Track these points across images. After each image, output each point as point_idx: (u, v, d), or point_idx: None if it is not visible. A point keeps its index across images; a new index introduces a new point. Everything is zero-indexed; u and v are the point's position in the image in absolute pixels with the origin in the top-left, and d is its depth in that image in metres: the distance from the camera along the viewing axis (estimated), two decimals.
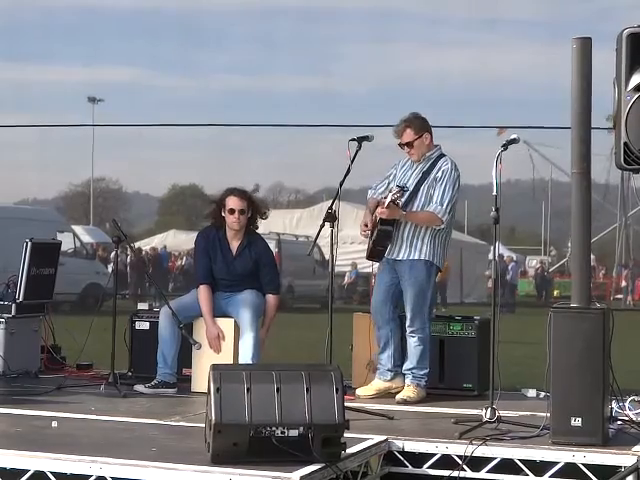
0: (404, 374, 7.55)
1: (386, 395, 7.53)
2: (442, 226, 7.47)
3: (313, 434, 5.19)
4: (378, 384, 7.58)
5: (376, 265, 7.76)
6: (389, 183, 7.67)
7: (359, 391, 7.44)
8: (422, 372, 7.52)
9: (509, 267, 34.82)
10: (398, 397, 7.45)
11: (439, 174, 7.47)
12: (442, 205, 7.41)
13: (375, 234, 7.48)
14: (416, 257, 7.47)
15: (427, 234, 7.48)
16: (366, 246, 7.71)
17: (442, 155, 7.58)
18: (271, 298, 7.94)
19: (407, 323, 7.49)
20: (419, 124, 7.55)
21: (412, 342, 7.49)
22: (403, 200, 7.33)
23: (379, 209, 7.35)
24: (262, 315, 7.86)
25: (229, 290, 7.91)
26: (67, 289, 18.33)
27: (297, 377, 5.30)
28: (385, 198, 7.39)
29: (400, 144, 7.56)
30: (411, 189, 7.47)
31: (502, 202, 6.53)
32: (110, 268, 21.59)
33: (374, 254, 7.61)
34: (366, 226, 7.54)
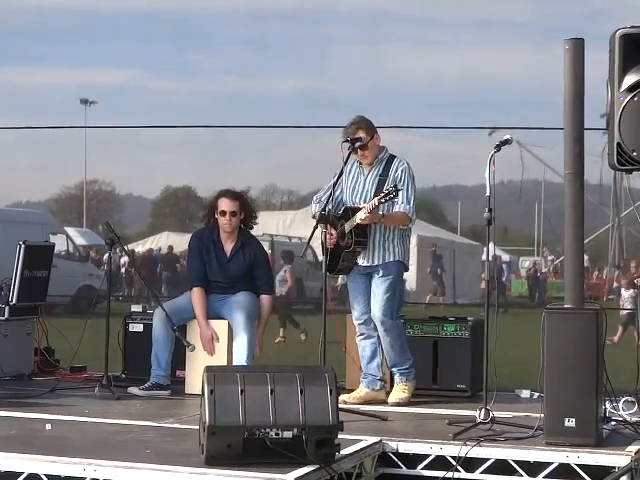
0: (392, 374, 7.55)
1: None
2: (411, 225, 7.52)
3: (307, 435, 5.19)
4: (367, 393, 7.51)
5: None
6: (334, 193, 7.49)
7: (345, 397, 7.35)
8: (407, 365, 7.51)
9: (503, 268, 34.85)
10: (390, 400, 7.44)
11: (399, 174, 7.42)
12: (410, 204, 7.40)
13: (350, 247, 7.35)
14: (390, 259, 7.46)
15: (396, 236, 7.47)
16: (321, 259, 7.45)
17: (393, 156, 7.53)
18: (266, 298, 7.93)
19: (378, 320, 7.43)
20: (368, 125, 7.46)
21: (388, 340, 7.45)
22: (396, 200, 7.28)
23: (362, 214, 7.21)
24: (257, 317, 7.86)
25: (223, 292, 7.91)
26: (60, 291, 18.27)
27: (291, 378, 5.30)
28: (361, 204, 7.33)
29: (349, 152, 7.32)
30: (372, 193, 7.35)
31: (495, 203, 6.53)
32: (103, 270, 21.50)
33: (344, 268, 7.52)
34: (331, 235, 7.33)
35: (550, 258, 50.90)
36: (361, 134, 7.40)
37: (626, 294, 21.11)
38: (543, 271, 45.65)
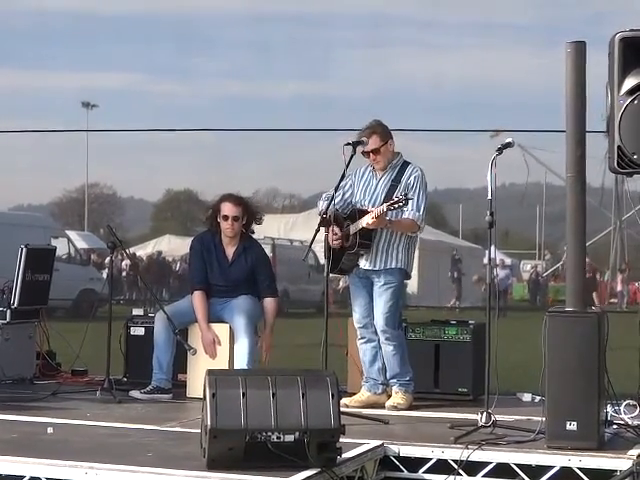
0: (390, 385, 7.54)
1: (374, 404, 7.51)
2: (419, 232, 7.50)
3: (309, 439, 5.18)
4: (369, 397, 7.52)
5: None
6: (344, 194, 7.50)
7: (347, 401, 7.35)
8: (407, 378, 7.50)
9: (498, 271, 34.81)
10: (388, 404, 7.43)
11: (411, 180, 7.40)
12: (419, 211, 7.38)
13: (353, 248, 7.34)
14: (393, 265, 7.44)
15: (401, 242, 7.45)
16: (323, 262, 7.44)
17: (407, 162, 7.52)
18: (270, 301, 7.93)
19: (380, 329, 7.42)
20: (383, 130, 7.46)
21: (389, 349, 7.45)
22: (405, 209, 7.26)
23: (369, 218, 7.19)
24: (259, 320, 7.86)
25: (224, 296, 7.91)
26: (62, 295, 18.27)
27: (293, 382, 5.30)
28: (370, 207, 7.32)
29: (364, 152, 7.39)
30: (382, 198, 7.35)
31: (497, 206, 6.53)
32: (105, 274, 21.41)
33: (346, 268, 7.51)
34: (335, 235, 7.30)
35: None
36: (375, 139, 7.39)
37: None
38: (544, 275, 45.63)
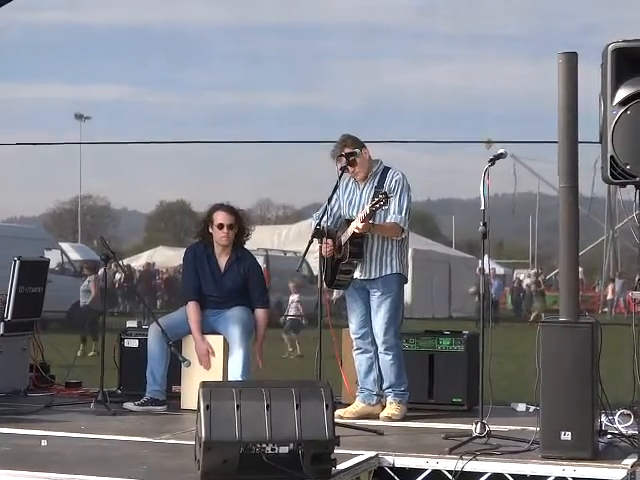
0: (385, 395, 7.53)
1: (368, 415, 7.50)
2: (403, 235, 7.47)
3: (303, 451, 5.18)
4: (363, 408, 7.50)
5: None
6: (331, 209, 7.48)
7: (341, 412, 7.33)
8: (402, 388, 7.49)
9: (492, 281, 34.84)
10: (382, 415, 7.41)
11: (392, 184, 7.40)
12: (401, 214, 7.37)
13: (345, 259, 7.33)
14: (389, 272, 7.44)
15: (394, 248, 7.45)
16: (317, 273, 7.41)
17: (388, 168, 7.53)
18: (261, 312, 7.93)
19: (380, 340, 7.42)
20: (354, 141, 7.45)
21: (387, 359, 7.44)
22: (386, 207, 7.23)
23: (355, 224, 7.19)
24: (253, 331, 7.86)
25: (218, 307, 7.90)
26: (55, 307, 18.23)
27: (287, 394, 5.30)
28: (357, 213, 7.33)
29: (342, 167, 7.34)
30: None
31: (490, 216, 6.54)
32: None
33: (343, 283, 7.50)
34: (327, 244, 7.27)
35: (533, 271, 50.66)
36: (348, 151, 7.40)
37: (293, 297, 20.44)
38: (541, 287, 45.60)
